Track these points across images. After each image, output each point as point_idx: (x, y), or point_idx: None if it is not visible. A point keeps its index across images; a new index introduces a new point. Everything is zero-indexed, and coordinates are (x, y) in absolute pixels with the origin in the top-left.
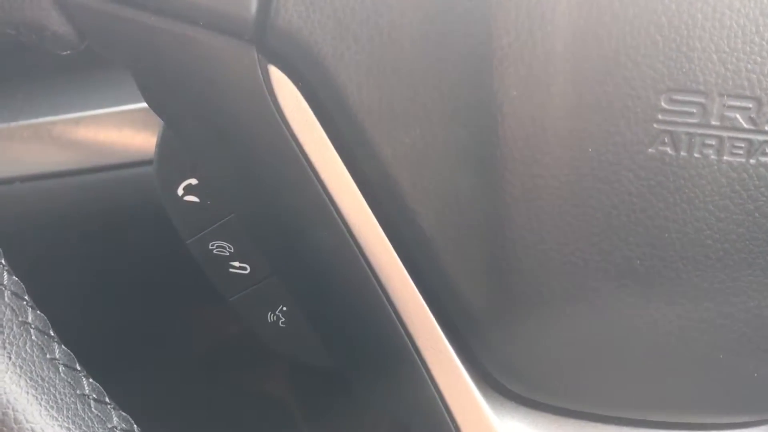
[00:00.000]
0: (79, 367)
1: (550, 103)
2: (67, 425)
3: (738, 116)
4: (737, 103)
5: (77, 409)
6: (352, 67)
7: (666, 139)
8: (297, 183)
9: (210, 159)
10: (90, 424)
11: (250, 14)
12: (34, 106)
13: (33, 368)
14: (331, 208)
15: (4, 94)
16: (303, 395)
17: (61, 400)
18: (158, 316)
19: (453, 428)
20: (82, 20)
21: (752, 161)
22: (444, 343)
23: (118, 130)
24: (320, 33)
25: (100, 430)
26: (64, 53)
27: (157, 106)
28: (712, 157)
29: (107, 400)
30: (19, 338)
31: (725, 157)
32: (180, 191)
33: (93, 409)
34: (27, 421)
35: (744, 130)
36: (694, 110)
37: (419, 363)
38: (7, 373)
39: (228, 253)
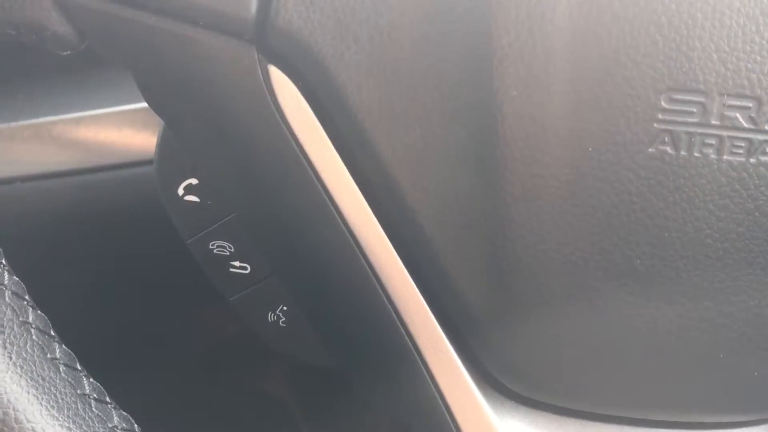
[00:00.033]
0: (79, 367)
1: (550, 102)
2: (67, 425)
3: (738, 115)
4: (737, 103)
5: (78, 408)
6: (352, 67)
7: (666, 139)
8: (297, 183)
9: (210, 159)
10: (90, 423)
11: (250, 14)
12: (34, 106)
13: (34, 368)
14: (331, 207)
15: (5, 94)
16: (303, 395)
17: (62, 399)
18: (158, 316)
19: (453, 428)
20: (82, 20)
21: (752, 160)
22: (444, 342)
23: (118, 130)
24: (320, 33)
25: (101, 429)
26: (64, 53)
27: (157, 106)
28: (712, 156)
29: (108, 399)
30: (20, 338)
31: (725, 157)
32: (180, 191)
33: (93, 409)
34: (28, 421)
35: (744, 130)
36: (694, 110)
37: (419, 363)
38: (7, 372)
39: (228, 253)
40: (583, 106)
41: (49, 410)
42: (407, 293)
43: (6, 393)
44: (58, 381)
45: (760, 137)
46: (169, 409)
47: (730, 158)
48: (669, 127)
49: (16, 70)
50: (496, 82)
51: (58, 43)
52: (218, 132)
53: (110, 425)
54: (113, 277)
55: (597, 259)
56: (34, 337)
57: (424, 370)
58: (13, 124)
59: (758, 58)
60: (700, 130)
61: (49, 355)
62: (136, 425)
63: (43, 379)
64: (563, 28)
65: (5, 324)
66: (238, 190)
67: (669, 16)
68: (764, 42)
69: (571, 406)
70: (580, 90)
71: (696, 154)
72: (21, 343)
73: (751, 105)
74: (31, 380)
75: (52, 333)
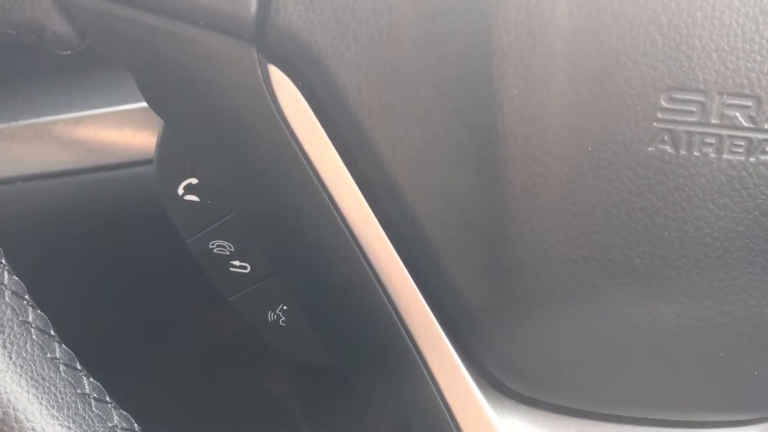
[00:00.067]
0: (79, 367)
1: (550, 102)
2: (67, 424)
3: (738, 115)
4: (737, 102)
5: (78, 408)
6: (352, 66)
7: (666, 138)
8: (297, 182)
9: (210, 158)
10: (90, 423)
11: (249, 14)
12: (34, 106)
13: (33, 367)
14: (331, 207)
15: (5, 94)
16: (303, 394)
17: (62, 399)
18: (158, 316)
19: (453, 427)
20: (82, 20)
21: (752, 159)
22: (444, 341)
23: (118, 130)
24: (320, 33)
25: (101, 429)
26: (64, 53)
27: (157, 106)
28: (712, 155)
29: (108, 399)
30: (20, 338)
31: (725, 156)
32: (180, 191)
33: (93, 408)
34: (28, 420)
35: (744, 129)
36: (694, 109)
37: (419, 362)
38: (7, 372)
39: (228, 253)
40: (583, 105)
41: (49, 410)
42: (407, 292)
43: (6, 392)
44: (58, 380)
45: (760, 136)
46: (169, 409)
47: (730, 157)
48: (669, 126)
49: (16, 70)
50: (496, 81)
51: (58, 43)
52: (218, 132)
53: (110, 425)
54: (113, 277)
55: (597, 258)
56: (34, 336)
57: (424, 370)
58: (13, 124)
59: (758, 57)
60: (699, 129)
61: (48, 355)
62: (136, 425)
63: (43, 379)
64: (563, 27)
65: (5, 323)
66: (238, 190)
67: (669, 15)
68: (764, 41)
69: (571, 405)
70: (579, 89)
71: (696, 153)
72: (21, 343)
73: (750, 104)
74: (30, 380)
75: (52, 332)
